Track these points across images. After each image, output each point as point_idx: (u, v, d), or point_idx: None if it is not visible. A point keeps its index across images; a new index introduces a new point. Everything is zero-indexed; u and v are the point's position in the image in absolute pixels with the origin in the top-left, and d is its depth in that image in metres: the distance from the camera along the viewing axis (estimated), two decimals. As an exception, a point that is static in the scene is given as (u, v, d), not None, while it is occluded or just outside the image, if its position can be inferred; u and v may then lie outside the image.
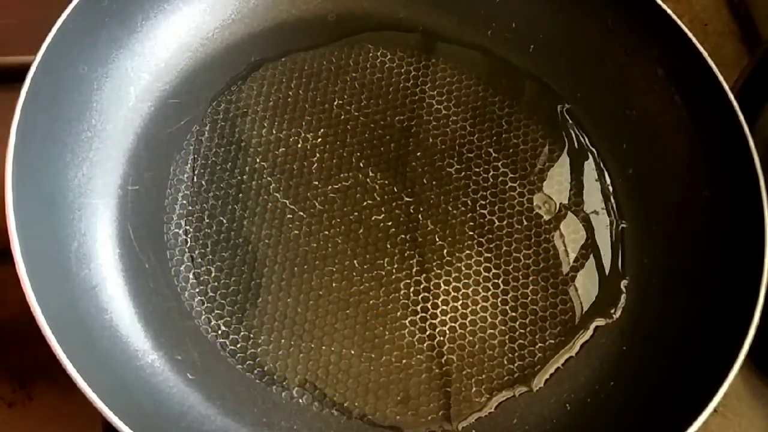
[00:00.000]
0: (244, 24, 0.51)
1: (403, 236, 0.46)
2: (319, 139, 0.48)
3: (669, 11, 0.46)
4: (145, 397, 0.39)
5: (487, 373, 0.43)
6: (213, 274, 0.44)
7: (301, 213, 0.46)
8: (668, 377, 0.41)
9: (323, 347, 0.43)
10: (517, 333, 0.44)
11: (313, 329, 0.43)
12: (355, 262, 0.45)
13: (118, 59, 0.46)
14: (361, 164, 0.48)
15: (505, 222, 0.47)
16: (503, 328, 0.44)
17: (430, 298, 0.45)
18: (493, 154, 0.49)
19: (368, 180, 0.47)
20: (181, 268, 0.44)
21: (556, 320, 0.45)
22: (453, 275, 0.45)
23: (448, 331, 0.44)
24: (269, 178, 0.47)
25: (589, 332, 0.44)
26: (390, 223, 0.46)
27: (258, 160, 0.47)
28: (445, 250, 0.46)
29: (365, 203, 0.47)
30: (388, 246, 0.46)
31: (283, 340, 0.43)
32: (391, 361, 0.43)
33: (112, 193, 0.44)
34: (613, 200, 0.48)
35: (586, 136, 0.50)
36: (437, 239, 0.46)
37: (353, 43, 0.51)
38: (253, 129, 0.48)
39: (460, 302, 0.45)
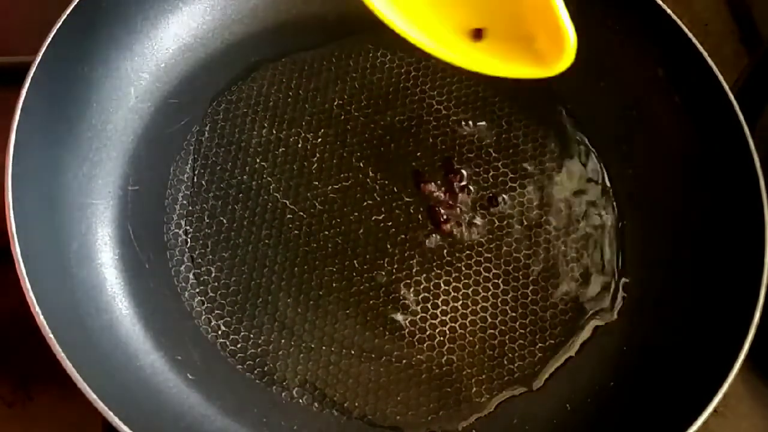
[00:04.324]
0: (244, 24, 0.51)
1: (403, 236, 0.46)
2: (319, 139, 0.48)
3: (669, 11, 0.46)
4: (146, 397, 0.39)
5: (487, 373, 0.43)
6: (213, 274, 0.44)
7: (301, 213, 0.46)
8: (668, 377, 0.41)
9: (323, 347, 0.43)
10: (517, 333, 0.44)
11: (313, 329, 0.43)
12: (355, 262, 0.45)
13: (118, 59, 0.46)
14: (361, 164, 0.48)
15: (505, 222, 0.47)
16: (503, 328, 0.44)
17: (430, 298, 0.45)
18: (493, 154, 0.49)
19: (368, 180, 0.47)
20: (181, 268, 0.44)
21: (556, 320, 0.45)
22: (453, 275, 0.45)
23: (448, 331, 0.44)
24: (269, 178, 0.47)
25: (589, 332, 0.44)
26: (390, 223, 0.46)
27: (258, 160, 0.47)
28: (445, 250, 0.46)
29: (365, 203, 0.47)
30: (388, 246, 0.46)
31: (283, 340, 0.43)
32: (391, 361, 0.43)
33: (112, 193, 0.44)
34: (613, 200, 0.48)
35: (586, 136, 0.50)
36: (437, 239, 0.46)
37: (353, 43, 0.51)
38: (253, 129, 0.48)
39: (460, 302, 0.45)
